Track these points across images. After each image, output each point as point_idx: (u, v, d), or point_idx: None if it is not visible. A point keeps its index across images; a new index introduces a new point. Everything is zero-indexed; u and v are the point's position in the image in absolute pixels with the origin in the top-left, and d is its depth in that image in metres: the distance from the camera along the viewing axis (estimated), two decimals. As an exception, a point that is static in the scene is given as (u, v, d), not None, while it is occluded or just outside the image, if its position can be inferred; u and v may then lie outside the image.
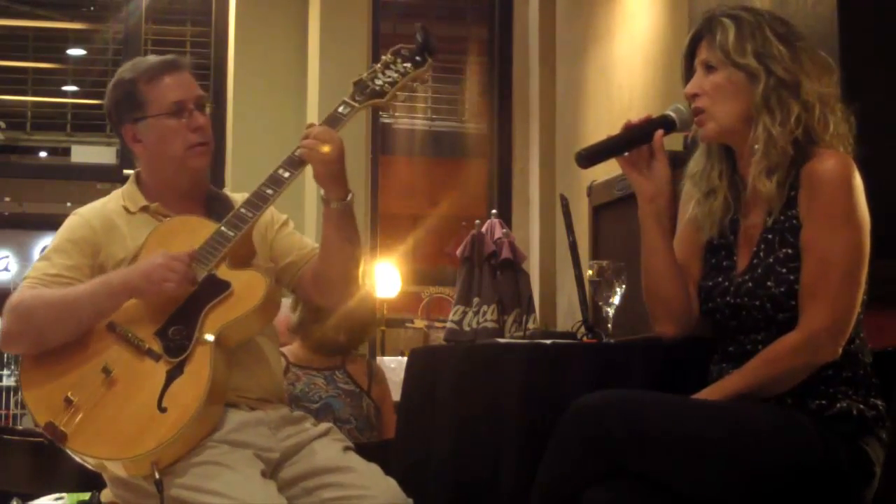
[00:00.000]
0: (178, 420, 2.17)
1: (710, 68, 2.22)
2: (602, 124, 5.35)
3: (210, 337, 2.25)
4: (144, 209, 2.46)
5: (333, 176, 2.37)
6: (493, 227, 5.23)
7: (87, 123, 7.87)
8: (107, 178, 7.24)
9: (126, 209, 2.46)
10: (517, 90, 6.43)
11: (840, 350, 2.08)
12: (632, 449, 1.99)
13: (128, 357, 2.25)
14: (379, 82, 2.44)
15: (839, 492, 2.05)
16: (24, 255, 13.24)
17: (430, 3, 7.51)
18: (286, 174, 2.37)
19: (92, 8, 7.63)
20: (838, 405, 2.09)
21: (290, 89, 6.23)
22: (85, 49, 7.88)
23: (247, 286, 2.31)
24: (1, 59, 7.90)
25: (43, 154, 9.19)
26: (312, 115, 6.18)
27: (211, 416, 2.25)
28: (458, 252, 5.26)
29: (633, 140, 2.28)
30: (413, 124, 7.43)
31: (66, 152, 8.22)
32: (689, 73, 2.28)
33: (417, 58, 2.48)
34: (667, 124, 2.27)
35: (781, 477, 2.01)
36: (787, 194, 2.15)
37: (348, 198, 2.39)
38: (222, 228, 2.34)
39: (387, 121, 7.08)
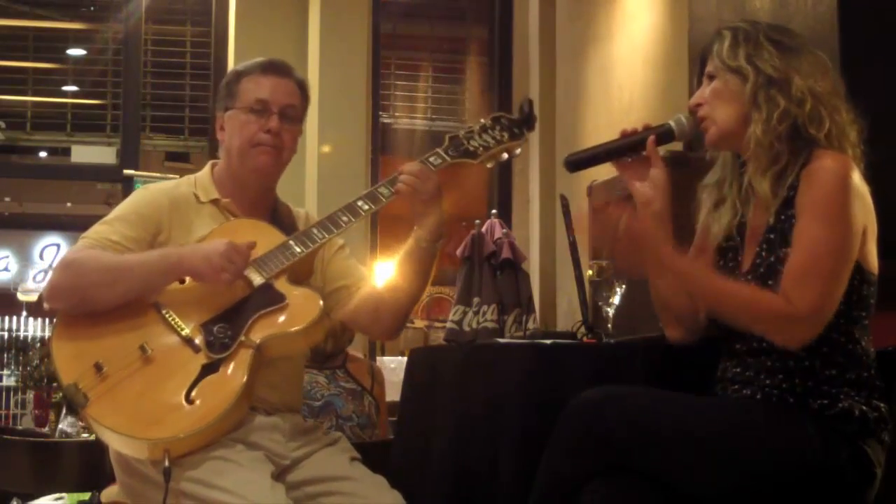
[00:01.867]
0: (202, 417, 2.17)
1: (710, 78, 2.25)
2: (602, 124, 5.35)
3: (256, 342, 2.24)
4: (215, 202, 2.45)
5: (429, 215, 2.38)
6: (493, 227, 5.23)
7: (87, 123, 7.85)
8: (107, 178, 7.23)
9: (196, 197, 2.45)
10: (517, 90, 6.43)
11: (805, 341, 2.05)
12: (631, 445, 1.99)
13: (167, 341, 2.25)
14: (474, 144, 2.46)
15: (839, 492, 2.05)
16: (24, 255, 13.23)
17: (430, 3, 7.50)
18: (365, 206, 2.37)
19: (92, 8, 7.63)
20: (840, 405, 2.09)
21: (289, 89, 6.22)
22: (85, 49, 7.87)
23: (302, 304, 2.30)
24: (1, 59, 7.89)
25: (43, 154, 9.18)
26: (312, 116, 6.17)
27: (234, 418, 2.24)
28: (458, 252, 5.26)
29: (623, 148, 2.29)
30: (413, 124, 7.43)
31: (66, 152, 8.20)
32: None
33: (515, 130, 2.51)
34: (664, 134, 2.28)
35: (781, 475, 2.02)
36: (787, 194, 2.16)
37: (439, 241, 2.41)
38: (290, 242, 2.34)
39: (387, 121, 7.08)
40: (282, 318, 2.28)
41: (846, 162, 2.12)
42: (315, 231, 2.36)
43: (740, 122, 2.21)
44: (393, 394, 3.46)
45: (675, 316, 2.30)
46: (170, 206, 2.41)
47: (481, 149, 2.47)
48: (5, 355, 11.72)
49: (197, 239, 2.36)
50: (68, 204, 11.50)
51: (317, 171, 6.10)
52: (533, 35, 6.32)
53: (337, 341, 3.75)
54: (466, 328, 5.07)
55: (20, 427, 6.45)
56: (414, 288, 2.46)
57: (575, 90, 5.78)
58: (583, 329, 2.61)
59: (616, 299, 2.53)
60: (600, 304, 2.56)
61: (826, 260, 2.07)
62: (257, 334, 2.26)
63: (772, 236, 2.17)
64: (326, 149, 6.13)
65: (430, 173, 2.38)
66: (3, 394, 11.46)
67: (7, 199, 12.33)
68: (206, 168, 2.53)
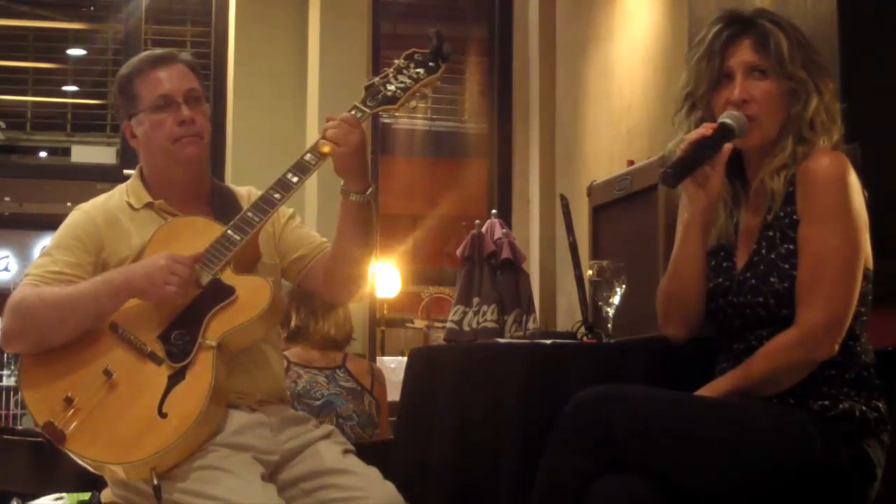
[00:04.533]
0: (178, 427, 2.16)
1: (761, 73, 2.18)
2: (602, 124, 5.35)
3: (213, 343, 2.24)
4: (149, 206, 2.44)
5: (354, 168, 2.34)
6: (493, 227, 5.23)
7: (87, 123, 7.87)
8: (107, 178, 7.22)
9: (130, 205, 2.44)
10: (517, 90, 6.42)
11: (837, 347, 2.08)
12: (631, 444, 1.99)
13: (129, 360, 2.24)
14: (391, 87, 2.41)
15: (840, 492, 2.05)
16: (24, 255, 13.23)
17: (430, 3, 7.50)
18: (294, 179, 2.34)
19: (92, 8, 7.64)
20: (841, 406, 2.09)
21: (290, 89, 6.23)
22: (85, 49, 7.88)
23: (251, 292, 2.30)
24: (1, 59, 7.90)
25: (43, 154, 9.19)
26: (312, 115, 6.18)
27: (212, 421, 2.24)
28: (458, 252, 5.26)
29: (708, 150, 2.17)
30: (413, 124, 7.44)
31: (66, 152, 8.22)
32: (716, 73, 2.21)
33: (431, 63, 2.43)
34: (728, 133, 2.18)
35: (782, 475, 2.01)
36: (785, 190, 2.16)
37: (368, 191, 2.37)
38: (228, 232, 2.31)
39: (387, 121, 7.08)
40: (235, 312, 2.28)
41: (842, 159, 2.12)
42: (251, 215, 2.33)
43: (779, 130, 2.19)
44: (393, 394, 3.46)
45: (685, 314, 2.26)
46: (105, 222, 2.40)
47: (400, 91, 2.41)
48: (5, 355, 11.70)
49: (138, 247, 2.35)
50: (68, 204, 11.44)
51: (317, 170, 6.09)
52: (533, 35, 6.32)
53: (339, 328, 3.75)
54: (466, 328, 5.07)
55: (20, 427, 6.44)
56: (359, 245, 2.42)
57: (575, 90, 5.78)
58: (583, 329, 2.61)
59: (616, 299, 2.53)
60: (600, 304, 2.55)
61: (836, 262, 2.08)
62: (215, 333, 2.25)
63: (770, 233, 2.17)
64: (326, 149, 6.12)
65: (353, 126, 2.33)
66: (3, 394, 11.44)
67: (7, 199, 12.32)
68: (135, 174, 2.50)
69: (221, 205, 2.47)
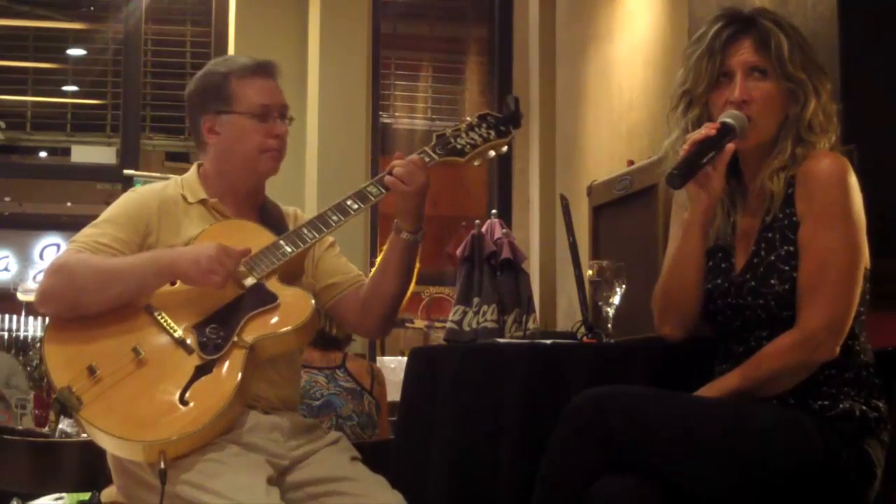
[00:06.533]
0: (196, 418, 2.17)
1: (761, 73, 2.17)
2: (602, 124, 5.35)
3: (248, 343, 2.25)
4: (202, 202, 2.45)
5: (413, 208, 2.42)
6: (493, 227, 5.23)
7: (87, 123, 7.87)
8: (107, 178, 7.23)
9: (184, 198, 2.45)
10: (517, 90, 6.42)
11: (838, 349, 2.08)
12: (632, 443, 1.99)
13: (160, 343, 2.25)
14: (461, 142, 2.49)
15: (840, 492, 2.05)
16: (24, 255, 13.22)
17: (430, 3, 7.51)
18: (355, 206, 2.39)
19: (92, 8, 7.64)
20: (840, 405, 2.09)
21: (289, 89, 6.20)
22: (85, 49, 7.88)
23: (293, 303, 2.31)
24: (1, 59, 7.90)
25: (43, 154, 9.18)
26: (312, 116, 6.18)
27: (229, 418, 2.24)
28: (458, 252, 5.26)
29: (709, 150, 2.16)
30: (413, 124, 7.43)
31: (66, 152, 8.21)
32: (716, 72, 2.20)
33: (502, 128, 2.53)
34: (730, 133, 2.16)
35: (782, 476, 2.02)
36: (785, 192, 2.16)
37: (420, 233, 2.43)
38: (280, 242, 2.35)
39: (387, 121, 7.08)
40: (274, 319, 2.29)
41: (842, 161, 2.13)
42: (305, 231, 2.37)
43: (777, 131, 2.19)
44: (393, 394, 3.46)
45: (681, 314, 2.25)
46: (158, 208, 2.41)
47: (468, 147, 2.48)
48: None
49: (186, 240, 2.37)
50: (68, 204, 11.48)
51: (316, 171, 6.09)
52: (533, 35, 6.32)
53: (340, 328, 3.75)
54: (466, 328, 5.07)
55: (20, 427, 6.45)
56: (399, 283, 2.48)
57: (575, 90, 5.78)
58: (583, 329, 2.61)
59: (616, 299, 2.53)
60: (600, 304, 2.55)
61: (838, 265, 2.08)
62: (250, 335, 2.26)
63: (770, 235, 2.17)
64: (326, 149, 6.12)
65: (420, 168, 2.39)
66: (3, 394, 11.42)
67: (7, 199, 12.32)
68: (193, 169, 2.52)
69: (269, 218, 2.51)
